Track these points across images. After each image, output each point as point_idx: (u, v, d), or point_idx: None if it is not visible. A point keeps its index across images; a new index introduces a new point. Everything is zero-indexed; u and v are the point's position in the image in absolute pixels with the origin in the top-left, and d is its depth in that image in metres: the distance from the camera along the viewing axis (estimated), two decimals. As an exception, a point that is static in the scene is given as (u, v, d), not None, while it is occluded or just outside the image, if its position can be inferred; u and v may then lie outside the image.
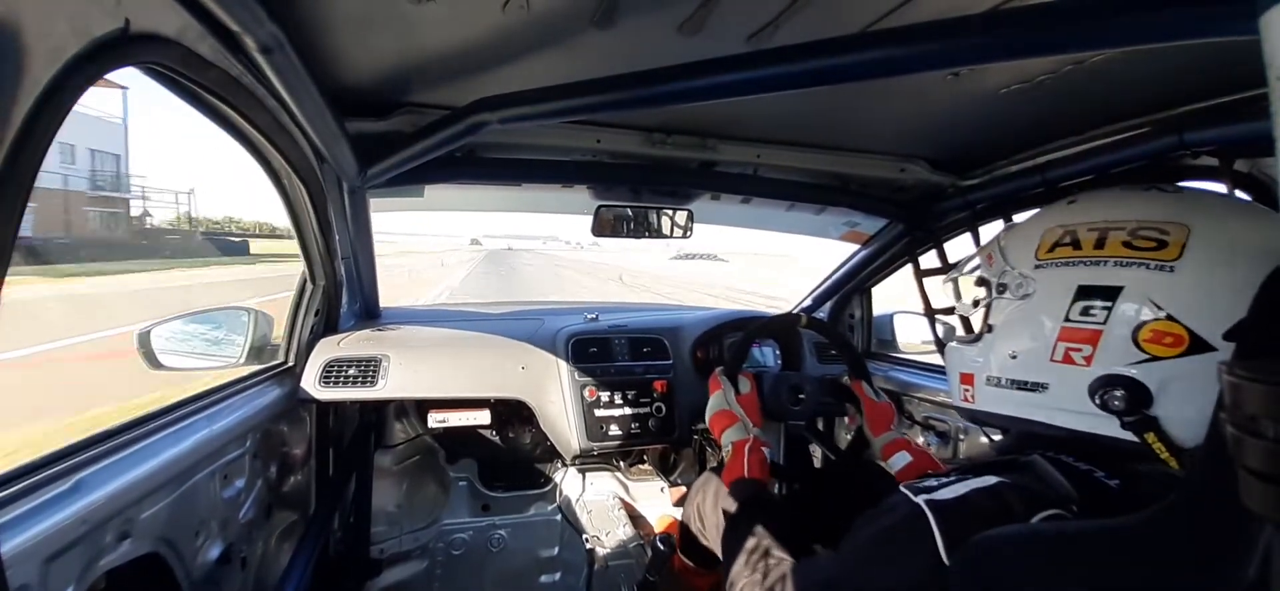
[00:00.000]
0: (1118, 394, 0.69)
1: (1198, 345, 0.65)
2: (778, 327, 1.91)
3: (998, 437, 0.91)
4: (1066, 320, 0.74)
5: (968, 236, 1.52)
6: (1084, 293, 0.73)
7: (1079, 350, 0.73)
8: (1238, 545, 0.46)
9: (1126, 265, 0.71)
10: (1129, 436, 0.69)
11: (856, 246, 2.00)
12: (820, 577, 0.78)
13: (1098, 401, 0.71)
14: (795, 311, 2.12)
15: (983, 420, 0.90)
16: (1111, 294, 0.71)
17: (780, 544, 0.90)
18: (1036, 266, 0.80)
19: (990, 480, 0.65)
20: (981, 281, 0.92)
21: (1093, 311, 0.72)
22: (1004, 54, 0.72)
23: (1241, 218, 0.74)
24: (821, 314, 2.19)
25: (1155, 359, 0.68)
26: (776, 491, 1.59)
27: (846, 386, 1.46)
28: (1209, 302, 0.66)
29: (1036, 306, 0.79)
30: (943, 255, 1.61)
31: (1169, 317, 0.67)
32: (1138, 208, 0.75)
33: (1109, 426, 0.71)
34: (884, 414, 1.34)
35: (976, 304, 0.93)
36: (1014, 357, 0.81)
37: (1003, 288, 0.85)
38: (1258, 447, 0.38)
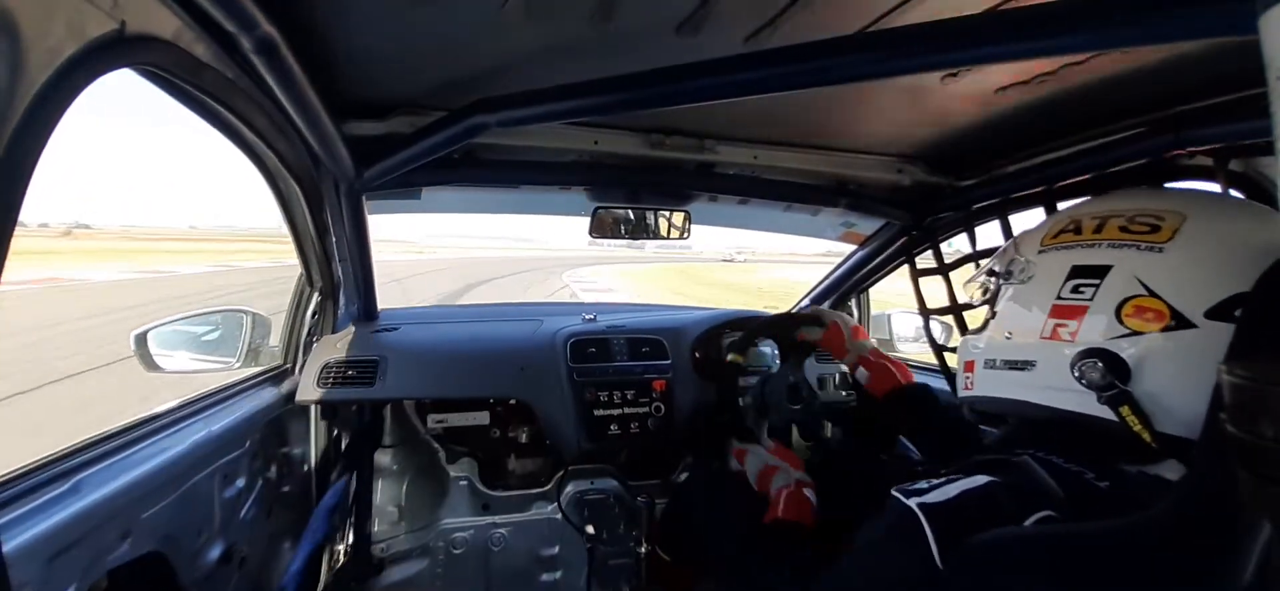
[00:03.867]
0: (1097, 365, 0.70)
1: (1179, 321, 0.66)
2: (777, 327, 1.91)
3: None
4: (1058, 298, 0.76)
5: (965, 237, 1.52)
6: (1076, 272, 0.75)
7: (1065, 326, 0.75)
8: (1235, 546, 0.46)
9: (1119, 246, 0.73)
10: (1107, 412, 0.70)
11: (854, 247, 2.00)
12: None
13: (1077, 373, 0.72)
14: (794, 311, 2.13)
15: (979, 406, 0.93)
16: (1101, 272, 0.73)
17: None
18: (1040, 251, 0.83)
19: (981, 480, 0.66)
20: (991, 272, 0.94)
21: (1082, 289, 0.74)
22: (1002, 54, 0.72)
23: (1240, 214, 0.77)
24: None
25: (1136, 334, 0.69)
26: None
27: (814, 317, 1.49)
28: (1193, 282, 0.67)
29: (1034, 288, 0.81)
30: (939, 256, 1.61)
31: (1151, 293, 0.68)
32: (1143, 201, 0.77)
33: (1089, 403, 0.72)
34: (835, 335, 1.39)
35: (985, 291, 0.95)
36: (1009, 337, 0.84)
37: (1009, 274, 0.88)
38: (1258, 449, 0.38)
